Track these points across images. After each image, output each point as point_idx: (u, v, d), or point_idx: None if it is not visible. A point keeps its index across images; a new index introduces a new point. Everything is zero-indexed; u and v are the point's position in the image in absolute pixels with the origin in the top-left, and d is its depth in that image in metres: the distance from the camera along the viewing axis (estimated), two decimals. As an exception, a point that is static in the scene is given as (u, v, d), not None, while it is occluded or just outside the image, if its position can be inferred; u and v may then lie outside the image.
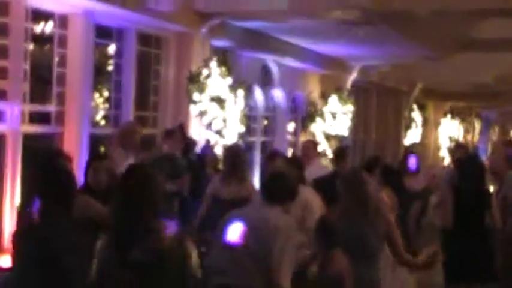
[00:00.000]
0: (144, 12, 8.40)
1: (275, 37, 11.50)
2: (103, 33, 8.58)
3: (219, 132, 9.43)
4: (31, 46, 7.54)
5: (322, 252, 5.02)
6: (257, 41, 11.09)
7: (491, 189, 8.59)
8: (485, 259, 7.34)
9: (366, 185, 5.39)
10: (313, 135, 13.69)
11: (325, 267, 4.97)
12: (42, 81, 7.86)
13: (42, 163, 5.30)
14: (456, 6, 8.88)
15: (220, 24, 9.73)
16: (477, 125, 27.86)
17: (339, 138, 14.13)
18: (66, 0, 7.53)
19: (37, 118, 7.70)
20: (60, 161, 5.56)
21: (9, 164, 7.14)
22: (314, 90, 14.41)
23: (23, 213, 5.27)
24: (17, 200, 7.15)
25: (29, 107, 7.50)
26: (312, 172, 7.93)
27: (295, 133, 14.33)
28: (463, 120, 25.02)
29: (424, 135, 21.26)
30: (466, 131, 25.69)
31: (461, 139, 23.93)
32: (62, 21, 7.89)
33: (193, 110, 9.31)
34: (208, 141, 9.34)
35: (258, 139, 12.82)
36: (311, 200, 6.41)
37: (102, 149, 8.48)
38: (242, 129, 9.84)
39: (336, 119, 13.92)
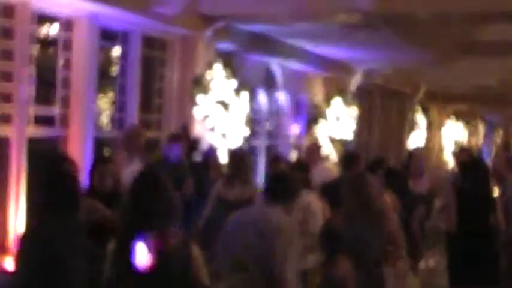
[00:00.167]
0: (149, 16, 8.42)
1: (279, 40, 11.52)
2: (107, 36, 8.60)
3: (223, 135, 9.45)
4: (36, 49, 7.57)
5: (327, 256, 5.04)
6: (261, 44, 11.11)
7: (496, 192, 8.60)
8: (489, 261, 7.35)
9: (369, 188, 5.40)
10: (316, 138, 13.70)
11: (329, 271, 4.99)
12: (46, 84, 7.88)
13: (47, 167, 5.31)
14: (459, 10, 8.89)
15: (224, 27, 9.75)
16: (481, 128, 27.83)
17: (343, 141, 14.15)
18: (71, 3, 7.55)
19: (42, 121, 7.72)
20: (64, 165, 5.59)
21: (13, 167, 7.17)
22: (318, 93, 14.42)
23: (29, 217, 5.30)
24: (22, 203, 7.18)
25: (33, 110, 7.53)
26: (316, 175, 7.95)
27: (299, 136, 14.33)
28: (467, 123, 25.00)
29: (428, 138, 21.26)
30: (470, 134, 25.67)
31: (465, 142, 23.91)
32: (67, 24, 7.91)
33: (198, 113, 9.33)
34: (212, 145, 9.36)
35: (262, 142, 12.83)
36: (312, 203, 6.43)
37: (106, 152, 8.51)
38: (246, 132, 9.86)
39: (339, 122, 13.94)
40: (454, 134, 23.44)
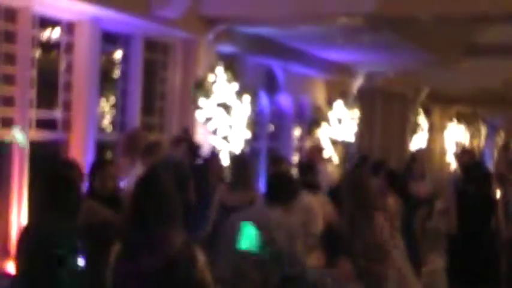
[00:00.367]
0: (150, 19, 8.43)
1: (281, 43, 11.52)
2: (109, 39, 8.61)
3: (225, 138, 9.46)
4: (38, 53, 7.58)
5: (328, 258, 5.05)
6: (263, 46, 11.11)
7: (498, 193, 8.60)
8: (489, 262, 7.35)
9: (367, 189, 5.39)
10: (319, 140, 13.71)
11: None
12: (49, 87, 7.89)
13: (48, 171, 5.32)
14: (461, 12, 8.88)
15: (226, 30, 9.76)
16: (483, 130, 27.81)
17: (345, 144, 14.15)
18: (73, 7, 7.56)
19: (44, 124, 7.73)
20: (65, 168, 5.60)
21: (16, 170, 7.18)
22: (320, 95, 14.43)
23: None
24: (24, 207, 7.19)
25: (35, 114, 7.53)
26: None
27: (301, 139, 14.34)
28: (469, 125, 24.99)
29: (430, 141, 21.24)
30: (472, 136, 25.65)
31: (467, 144, 23.89)
32: (69, 28, 7.93)
33: (199, 115, 9.34)
34: (214, 149, 9.36)
35: (263, 145, 12.83)
36: (313, 205, 6.44)
37: (107, 155, 8.52)
38: (248, 134, 9.86)
39: (341, 125, 13.94)
40: (456, 136, 23.42)
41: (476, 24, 10.96)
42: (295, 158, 13.15)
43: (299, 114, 14.11)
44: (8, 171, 7.19)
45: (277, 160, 8.31)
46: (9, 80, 7.15)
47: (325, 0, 8.90)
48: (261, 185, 11.44)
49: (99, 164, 6.09)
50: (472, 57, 13.16)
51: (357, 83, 15.08)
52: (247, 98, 9.74)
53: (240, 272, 4.83)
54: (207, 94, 9.27)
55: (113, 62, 8.94)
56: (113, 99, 8.87)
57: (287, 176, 5.61)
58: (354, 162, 8.37)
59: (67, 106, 7.95)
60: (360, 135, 15.53)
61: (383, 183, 7.73)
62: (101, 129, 8.58)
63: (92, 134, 8.05)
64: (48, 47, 7.82)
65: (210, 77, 9.33)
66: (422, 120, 19.93)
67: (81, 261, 4.25)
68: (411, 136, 19.51)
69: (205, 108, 9.29)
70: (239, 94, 9.55)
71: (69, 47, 7.95)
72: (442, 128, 23.20)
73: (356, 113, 14.31)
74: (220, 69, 9.39)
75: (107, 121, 8.80)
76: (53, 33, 7.80)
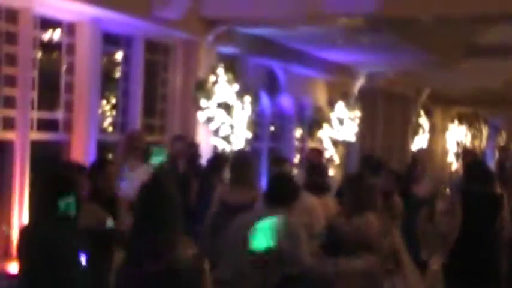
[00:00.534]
0: (151, 20, 8.44)
1: (282, 44, 11.53)
2: (110, 40, 8.63)
3: (226, 139, 9.46)
4: (39, 54, 7.59)
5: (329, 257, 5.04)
6: (264, 47, 11.12)
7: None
8: (490, 263, 7.35)
9: (365, 188, 5.38)
10: (320, 141, 13.71)
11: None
12: (50, 88, 7.90)
13: (48, 172, 5.33)
14: (462, 12, 8.89)
15: (227, 31, 9.77)
16: (484, 131, 27.79)
17: (346, 144, 14.15)
18: (74, 8, 7.57)
19: (45, 125, 7.74)
20: (66, 171, 5.61)
21: (17, 171, 7.19)
22: (321, 96, 14.43)
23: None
24: (25, 207, 7.20)
25: (37, 114, 7.55)
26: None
27: (302, 139, 14.34)
28: (470, 126, 24.97)
29: (431, 141, 21.23)
30: (474, 137, 25.64)
31: (468, 144, 23.88)
32: (70, 29, 7.94)
33: (201, 116, 9.35)
34: (216, 149, 9.35)
35: (265, 145, 12.83)
36: (315, 206, 6.44)
37: (109, 155, 8.52)
38: (249, 135, 9.87)
39: (342, 125, 13.94)
40: (457, 136, 23.40)
41: (477, 24, 10.96)
42: (296, 159, 13.15)
43: (300, 115, 14.12)
44: (9, 172, 7.20)
45: (278, 161, 8.31)
46: (10, 80, 7.17)
47: (326, 1, 8.90)
48: (262, 185, 11.45)
49: (100, 164, 6.09)
50: (473, 57, 13.16)
51: (358, 83, 15.08)
52: (248, 98, 9.74)
53: (240, 273, 4.84)
54: (208, 95, 9.28)
55: (114, 63, 8.95)
56: (114, 100, 8.88)
57: (288, 177, 5.61)
58: (360, 163, 8.39)
59: (68, 107, 7.96)
60: (361, 136, 15.53)
61: (388, 183, 7.76)
62: (102, 130, 8.59)
63: (93, 135, 8.06)
64: (50, 48, 7.83)
65: (211, 78, 9.33)
66: (423, 120, 19.92)
67: (83, 262, 4.25)
68: (413, 137, 19.50)
69: (207, 109, 9.29)
70: (240, 95, 9.55)
71: (70, 48, 7.96)
72: (444, 129, 23.19)
73: (357, 113, 14.31)
74: (221, 70, 9.40)
75: (108, 122, 8.80)
76: (54, 34, 7.81)
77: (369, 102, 17.10)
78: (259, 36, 10.72)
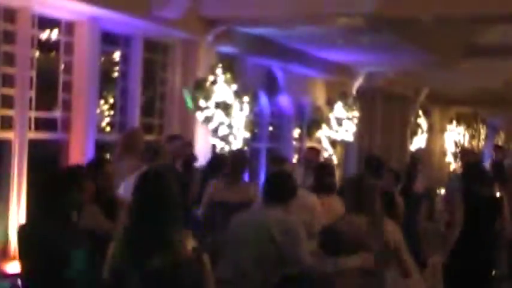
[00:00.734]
0: (150, 19, 8.42)
1: (281, 43, 11.51)
2: (109, 40, 8.61)
3: (224, 139, 9.44)
4: (37, 53, 7.57)
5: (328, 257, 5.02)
6: (263, 47, 11.11)
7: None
8: (490, 263, 7.35)
9: (365, 188, 5.36)
10: (319, 141, 13.70)
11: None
12: (48, 88, 7.88)
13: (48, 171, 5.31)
14: (461, 12, 8.88)
15: (226, 30, 9.75)
16: (483, 131, 27.82)
17: (345, 144, 14.13)
18: (73, 7, 7.55)
19: (43, 125, 7.72)
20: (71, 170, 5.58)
21: (15, 171, 7.17)
22: (320, 96, 14.42)
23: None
24: (23, 207, 7.18)
25: (35, 114, 7.52)
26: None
27: (300, 139, 14.33)
28: (468, 126, 24.97)
29: (430, 141, 21.23)
30: (472, 137, 25.65)
31: (466, 144, 23.87)
32: (68, 28, 7.92)
33: (199, 116, 9.33)
34: (214, 151, 9.32)
35: (263, 145, 12.82)
36: (316, 205, 6.42)
37: (107, 155, 8.49)
38: (248, 135, 9.85)
39: (341, 125, 13.92)
40: (455, 136, 23.40)
41: (476, 24, 10.96)
42: (294, 159, 13.13)
43: (299, 115, 14.11)
44: (7, 171, 7.18)
45: (278, 160, 8.28)
46: (8, 80, 7.15)
47: (325, 1, 8.90)
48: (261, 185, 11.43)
49: (99, 164, 6.06)
50: (472, 57, 13.16)
51: (357, 83, 15.07)
52: (246, 98, 9.72)
53: (241, 272, 4.82)
54: (207, 94, 9.26)
55: (113, 63, 8.93)
56: (112, 99, 8.86)
57: (285, 174, 5.58)
58: (363, 163, 8.40)
59: (66, 106, 7.95)
60: (359, 135, 15.52)
61: (389, 183, 7.77)
62: (101, 130, 8.57)
63: (92, 135, 8.04)
64: (48, 47, 7.81)
65: (210, 78, 9.31)
66: (422, 120, 19.92)
67: (84, 261, 4.23)
68: (411, 137, 19.51)
69: (205, 109, 9.27)
70: (239, 94, 9.53)
71: (69, 48, 7.94)
72: (442, 129, 23.19)
73: (355, 113, 14.29)
74: (220, 70, 9.38)
75: (106, 122, 8.78)
76: (53, 34, 7.79)
77: (367, 102, 17.10)
78: (259, 36, 10.70)
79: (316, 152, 9.94)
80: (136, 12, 8.20)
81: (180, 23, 8.90)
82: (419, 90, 18.99)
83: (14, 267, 6.57)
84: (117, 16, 8.04)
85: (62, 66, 7.93)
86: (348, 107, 14.02)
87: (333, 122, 13.87)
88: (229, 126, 9.41)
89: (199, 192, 7.59)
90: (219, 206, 6.94)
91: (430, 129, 20.61)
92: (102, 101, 8.68)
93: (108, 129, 8.78)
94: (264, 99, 12.54)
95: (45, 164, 7.91)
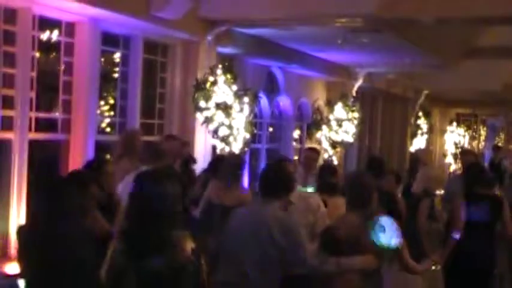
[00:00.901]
0: (150, 20, 8.43)
1: (281, 44, 11.52)
2: (109, 41, 8.61)
3: (224, 139, 9.44)
4: (38, 54, 7.58)
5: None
6: (263, 48, 11.11)
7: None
8: (490, 263, 7.35)
9: (366, 187, 5.36)
10: (319, 142, 13.71)
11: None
12: (48, 88, 7.89)
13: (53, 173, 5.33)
14: (461, 14, 8.88)
15: (226, 31, 9.76)
16: (483, 132, 27.83)
17: (345, 145, 14.14)
18: (73, 8, 7.55)
19: (44, 125, 7.72)
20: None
21: (15, 171, 7.17)
22: (320, 97, 14.43)
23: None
24: (23, 207, 7.18)
25: (35, 114, 7.53)
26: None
27: (300, 140, 14.34)
28: (468, 127, 25.00)
29: (430, 142, 21.24)
30: (472, 138, 25.66)
31: (467, 145, 23.88)
32: (69, 29, 7.92)
33: (199, 117, 9.33)
34: (215, 151, 9.32)
35: (263, 146, 12.83)
36: (320, 205, 6.42)
37: (107, 156, 8.50)
38: (248, 136, 9.85)
39: (341, 126, 13.93)
40: (455, 137, 23.41)
41: (476, 26, 10.97)
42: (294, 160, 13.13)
43: (299, 116, 14.12)
44: (7, 172, 7.18)
45: (279, 160, 8.28)
46: (9, 80, 7.15)
47: (325, 2, 8.90)
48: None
49: (99, 165, 6.06)
50: (472, 59, 13.18)
51: (357, 84, 15.08)
52: (247, 99, 9.72)
53: (242, 274, 4.82)
54: (207, 95, 9.25)
55: (113, 63, 8.93)
56: (112, 100, 8.86)
57: (280, 167, 5.50)
58: (365, 164, 8.42)
59: (67, 107, 7.95)
60: (360, 136, 15.53)
61: (390, 183, 7.78)
62: (101, 131, 8.58)
63: (92, 135, 8.05)
64: (48, 47, 7.81)
65: (210, 78, 9.31)
66: (422, 122, 19.92)
67: (83, 262, 4.24)
68: (411, 138, 19.51)
69: (205, 110, 9.27)
70: (239, 95, 9.53)
71: (69, 48, 7.95)
72: (442, 130, 23.20)
73: (356, 114, 14.30)
74: (220, 71, 9.38)
75: (106, 122, 8.79)
76: (53, 34, 7.80)
77: (367, 103, 17.11)
78: (259, 37, 10.71)
79: (315, 152, 9.93)
80: (137, 12, 8.20)
81: (180, 24, 8.90)
82: (420, 91, 19.00)
83: (14, 267, 6.57)
84: (118, 17, 8.04)
85: (62, 67, 7.93)
86: (348, 108, 14.03)
87: (333, 123, 13.87)
88: (230, 127, 9.41)
89: (200, 194, 7.59)
90: (216, 208, 6.94)
91: (430, 130, 20.62)
92: (102, 102, 8.69)
93: (108, 129, 8.78)
94: (264, 100, 12.55)
95: (46, 165, 7.93)
